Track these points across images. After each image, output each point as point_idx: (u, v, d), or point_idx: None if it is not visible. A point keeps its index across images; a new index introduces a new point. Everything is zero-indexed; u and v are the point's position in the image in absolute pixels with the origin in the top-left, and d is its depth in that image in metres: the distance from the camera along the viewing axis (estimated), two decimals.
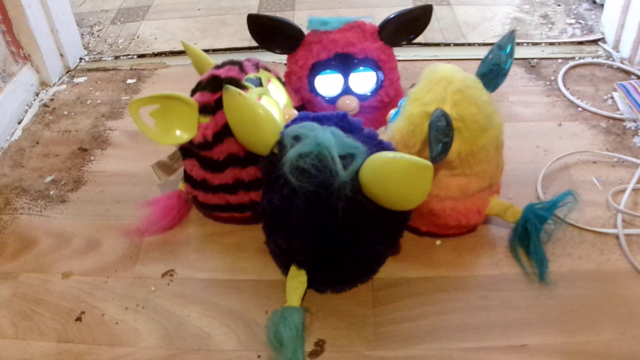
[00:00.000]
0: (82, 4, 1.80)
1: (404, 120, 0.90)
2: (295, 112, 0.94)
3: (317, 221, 0.81)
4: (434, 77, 0.89)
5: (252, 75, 0.95)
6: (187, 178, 1.02)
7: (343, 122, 0.86)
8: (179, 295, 0.93)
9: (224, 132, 0.92)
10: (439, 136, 0.83)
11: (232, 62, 0.96)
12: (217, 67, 0.97)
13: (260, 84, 0.95)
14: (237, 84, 0.91)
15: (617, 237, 0.98)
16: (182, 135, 0.93)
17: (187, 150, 0.99)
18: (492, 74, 0.91)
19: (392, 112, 0.98)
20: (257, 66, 0.98)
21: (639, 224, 1.00)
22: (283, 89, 1.02)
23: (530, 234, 0.94)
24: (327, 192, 0.78)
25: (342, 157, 0.79)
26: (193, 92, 0.96)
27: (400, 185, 0.76)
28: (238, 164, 0.95)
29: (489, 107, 0.89)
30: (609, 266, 0.94)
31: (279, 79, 1.03)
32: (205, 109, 0.93)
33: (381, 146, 0.84)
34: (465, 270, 0.95)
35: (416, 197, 0.78)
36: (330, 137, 0.79)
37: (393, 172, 0.76)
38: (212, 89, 0.92)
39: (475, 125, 0.87)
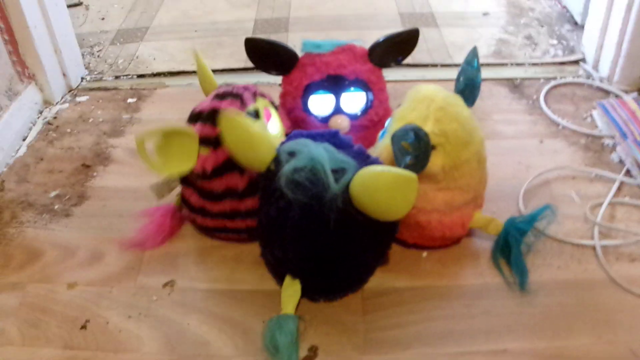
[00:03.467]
0: (82, 25, 1.86)
1: (389, 139, 0.95)
2: None
3: (311, 231, 0.86)
4: (418, 96, 0.95)
5: (251, 107, 0.99)
6: (185, 203, 1.05)
7: (334, 139, 0.91)
8: (180, 304, 0.98)
9: (224, 167, 0.96)
10: (403, 149, 0.89)
11: (233, 95, 0.99)
12: (219, 97, 1.00)
13: (257, 116, 0.99)
14: None
15: (594, 248, 1.03)
16: (182, 165, 0.97)
17: (185, 180, 1.02)
18: (468, 89, 0.98)
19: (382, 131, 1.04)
20: (255, 95, 1.02)
21: (615, 235, 1.05)
22: (277, 115, 1.06)
23: (511, 246, 0.98)
24: (320, 204, 0.83)
25: (334, 171, 0.84)
26: (194, 119, 0.99)
27: (388, 196, 0.81)
28: (236, 197, 0.99)
29: (470, 123, 0.95)
30: (587, 276, 0.99)
31: (272, 103, 1.07)
32: (206, 141, 0.96)
33: (370, 161, 0.89)
34: (450, 280, 1.00)
35: (403, 208, 0.83)
36: (323, 153, 0.84)
37: (381, 184, 0.81)
38: (215, 122, 0.95)
39: (457, 140, 0.93)
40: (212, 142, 0.96)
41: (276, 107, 1.08)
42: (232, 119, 0.88)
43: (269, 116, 1.03)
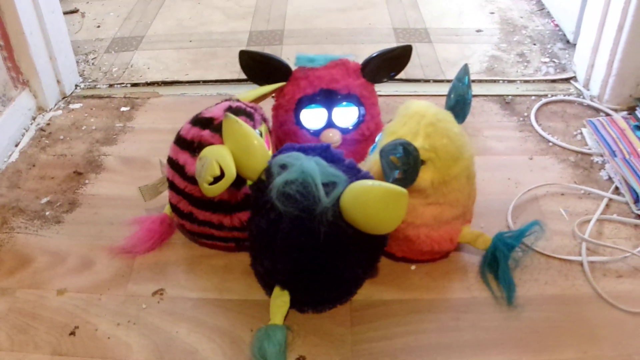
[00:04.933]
0: (77, 32, 1.86)
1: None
2: None
3: (301, 244, 0.86)
4: (408, 112, 0.96)
5: (257, 130, 1.00)
6: (174, 209, 1.06)
7: (326, 153, 0.92)
8: (169, 312, 0.98)
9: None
10: (391, 163, 0.90)
11: (247, 113, 1.00)
12: (234, 112, 0.99)
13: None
14: None
15: (581, 264, 1.04)
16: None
17: (176, 188, 1.03)
18: (458, 105, 0.99)
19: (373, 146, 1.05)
20: (261, 117, 1.03)
21: (602, 252, 1.07)
22: (271, 142, 1.07)
23: (499, 261, 0.99)
24: (310, 217, 0.84)
25: (324, 185, 0.84)
26: (203, 124, 0.99)
27: (378, 210, 0.82)
28: (222, 211, 1.00)
29: (460, 139, 0.96)
30: (574, 291, 1.00)
31: (269, 130, 1.08)
32: None
33: (361, 175, 0.90)
34: (439, 293, 1.00)
35: (392, 222, 0.84)
36: (314, 166, 0.85)
37: (371, 198, 0.82)
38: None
39: (447, 155, 0.94)
40: None
41: (270, 134, 1.10)
42: (234, 123, 0.89)
43: (267, 142, 1.05)
